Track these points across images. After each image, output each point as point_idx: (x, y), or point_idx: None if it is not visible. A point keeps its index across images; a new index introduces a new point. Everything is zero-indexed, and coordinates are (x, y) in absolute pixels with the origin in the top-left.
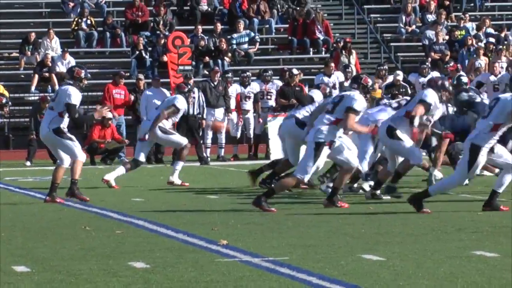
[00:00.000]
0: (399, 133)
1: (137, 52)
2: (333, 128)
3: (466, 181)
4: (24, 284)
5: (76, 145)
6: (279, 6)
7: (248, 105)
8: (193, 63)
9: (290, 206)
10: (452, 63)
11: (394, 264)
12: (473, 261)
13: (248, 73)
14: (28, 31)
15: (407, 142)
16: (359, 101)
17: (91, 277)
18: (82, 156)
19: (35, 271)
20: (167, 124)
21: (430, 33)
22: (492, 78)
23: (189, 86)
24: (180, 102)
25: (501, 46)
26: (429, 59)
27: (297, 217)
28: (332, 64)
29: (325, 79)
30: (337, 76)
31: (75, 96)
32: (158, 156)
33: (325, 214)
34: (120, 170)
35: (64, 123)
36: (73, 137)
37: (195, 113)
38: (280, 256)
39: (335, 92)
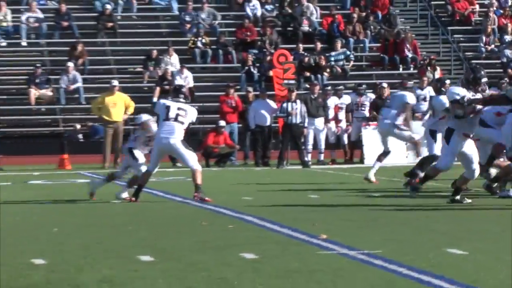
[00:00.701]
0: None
1: (246, 68)
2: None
3: None
4: (148, 272)
5: (193, 156)
6: (372, 27)
7: (341, 115)
8: (296, 77)
9: (381, 204)
10: None
11: (476, 258)
12: None
13: (340, 87)
14: (151, 49)
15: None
16: None
17: (207, 266)
18: (197, 166)
19: (158, 261)
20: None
21: (507, 52)
22: None
23: (412, 83)
24: (409, 97)
25: None
26: (507, 75)
27: (389, 214)
28: (425, 78)
29: (418, 91)
30: (429, 90)
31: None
32: (265, 160)
33: (413, 212)
34: (377, 164)
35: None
36: (191, 148)
37: (298, 122)
38: (374, 250)
39: (426, 105)
